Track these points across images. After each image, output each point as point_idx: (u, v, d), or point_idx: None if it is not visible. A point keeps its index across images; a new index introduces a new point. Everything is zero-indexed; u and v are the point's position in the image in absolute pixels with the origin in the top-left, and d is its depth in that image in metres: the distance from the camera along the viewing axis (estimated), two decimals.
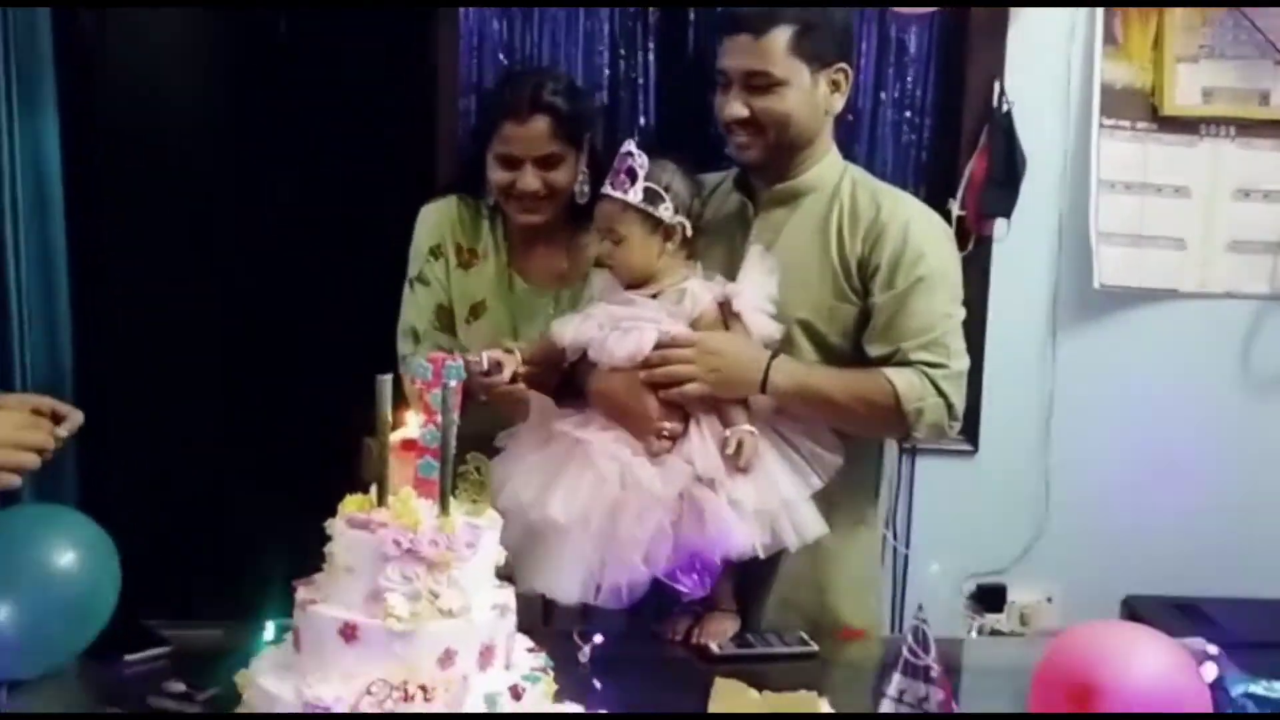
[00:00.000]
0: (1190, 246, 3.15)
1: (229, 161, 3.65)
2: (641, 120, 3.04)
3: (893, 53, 3.05)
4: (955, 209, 3.08)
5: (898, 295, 2.12)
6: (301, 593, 1.63)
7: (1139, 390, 3.18)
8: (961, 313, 2.19)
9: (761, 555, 2.06)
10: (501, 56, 2.98)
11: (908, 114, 3.08)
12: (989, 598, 3.23)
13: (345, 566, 1.60)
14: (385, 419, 1.67)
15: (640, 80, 3.02)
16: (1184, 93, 3.08)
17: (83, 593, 1.89)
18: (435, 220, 2.37)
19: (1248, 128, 3.11)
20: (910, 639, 1.58)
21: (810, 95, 2.15)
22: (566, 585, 2.04)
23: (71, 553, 1.89)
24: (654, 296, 2.14)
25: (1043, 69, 3.08)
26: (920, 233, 2.16)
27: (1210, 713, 1.63)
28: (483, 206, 2.37)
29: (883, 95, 3.06)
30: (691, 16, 3.01)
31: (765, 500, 2.05)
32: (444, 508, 1.65)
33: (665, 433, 2.08)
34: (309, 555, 1.66)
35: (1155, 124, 3.10)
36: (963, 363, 2.16)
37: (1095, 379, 3.18)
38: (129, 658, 1.95)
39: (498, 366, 2.09)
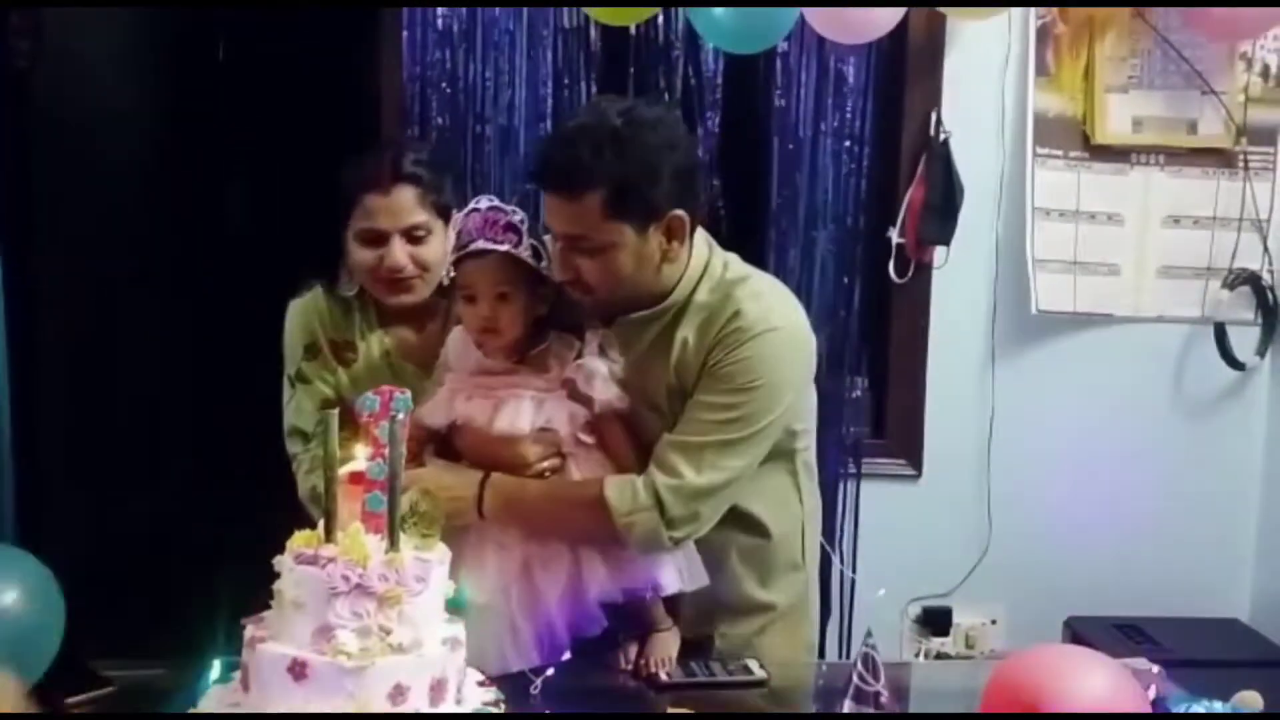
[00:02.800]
0: (1124, 272, 3.21)
1: (167, 185, 3.58)
2: None
3: (831, 83, 3.08)
4: (895, 237, 3.13)
5: (696, 395, 2.01)
6: (250, 630, 1.62)
7: (1077, 413, 3.23)
8: (752, 431, 2.00)
9: (649, 596, 2.04)
10: (445, 86, 2.98)
11: (847, 144, 3.11)
12: (934, 621, 3.26)
13: (294, 603, 1.59)
14: (332, 453, 1.66)
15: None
16: (1114, 122, 3.15)
17: (25, 633, 1.85)
18: (303, 319, 2.22)
19: (1176, 156, 3.18)
20: (859, 665, 1.60)
21: (640, 251, 1.96)
22: (509, 656, 1.99)
23: (13, 591, 1.86)
24: (518, 362, 2.07)
25: (977, 99, 3.14)
26: (752, 345, 1.99)
27: (1177, 713, 1.65)
28: (348, 296, 2.21)
29: (822, 125, 3.09)
30: (633, 49, 3.04)
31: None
32: (393, 542, 1.64)
33: (546, 473, 2.05)
34: (255, 592, 1.64)
35: (1087, 153, 3.16)
36: (709, 478, 1.98)
37: (1034, 403, 3.23)
38: (71, 700, 1.90)
39: None
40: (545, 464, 2.04)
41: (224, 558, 2.35)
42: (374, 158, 2.13)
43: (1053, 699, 1.58)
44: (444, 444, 2.10)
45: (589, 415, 2.05)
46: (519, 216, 2.01)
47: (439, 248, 2.13)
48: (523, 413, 2.02)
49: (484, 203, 2.02)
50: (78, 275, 3.33)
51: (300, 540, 1.66)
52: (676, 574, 2.06)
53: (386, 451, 1.67)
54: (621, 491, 1.99)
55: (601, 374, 2.04)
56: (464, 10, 2.96)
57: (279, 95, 3.58)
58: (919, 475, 3.26)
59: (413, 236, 2.11)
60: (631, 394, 2.08)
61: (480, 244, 1.98)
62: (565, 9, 2.97)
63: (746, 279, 2.07)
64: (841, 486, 3.17)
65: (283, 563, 1.63)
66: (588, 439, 2.06)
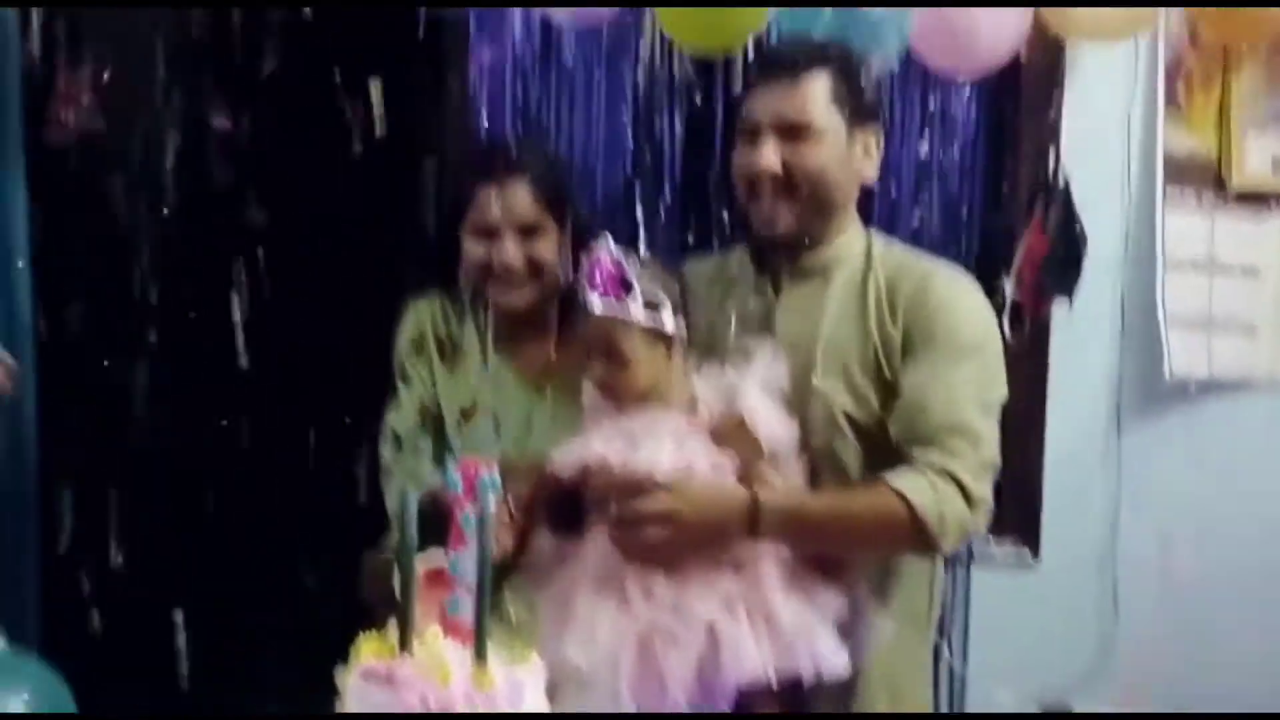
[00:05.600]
0: (1261, 333, 2.89)
1: (216, 227, 3.26)
2: (667, 193, 2.76)
3: (939, 120, 2.80)
4: (1009, 289, 2.81)
5: (927, 365, 1.89)
6: None
7: (1214, 491, 2.87)
8: (999, 394, 1.95)
9: (774, 684, 1.77)
10: (519, 124, 2.71)
11: (955, 186, 2.82)
12: None
13: None
14: (410, 542, 1.35)
15: (665, 147, 2.75)
16: (1253, 163, 2.84)
17: None
18: (415, 314, 2.21)
19: None
20: None
21: (846, 153, 1.97)
22: None
23: (22, 695, 1.73)
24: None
25: (1100, 137, 2.83)
26: (959, 301, 1.97)
27: None
28: (464, 299, 2.18)
29: (928, 164, 2.80)
30: (721, 79, 2.75)
31: (784, 623, 1.78)
32: (479, 654, 1.32)
33: None
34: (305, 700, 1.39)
35: (1222, 197, 2.85)
36: (991, 451, 1.89)
37: (1166, 479, 2.88)
38: None
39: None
40: None
41: (270, 658, 2.07)
42: (490, 151, 2.20)
43: None
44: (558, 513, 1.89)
45: (737, 469, 1.84)
46: (631, 266, 1.86)
47: (553, 247, 2.09)
48: (663, 449, 1.82)
49: (603, 251, 1.86)
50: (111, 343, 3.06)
51: (368, 649, 1.35)
52: (847, 646, 1.79)
53: (471, 544, 1.37)
54: (916, 484, 1.82)
55: (764, 408, 1.85)
56: (537, 42, 2.70)
57: (338, 131, 3.27)
58: (1037, 560, 2.91)
59: (526, 232, 2.06)
60: (827, 361, 1.93)
61: (594, 305, 1.85)
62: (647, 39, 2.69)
63: (911, 251, 2.09)
64: (951, 572, 2.82)
65: (346, 679, 1.32)
66: None
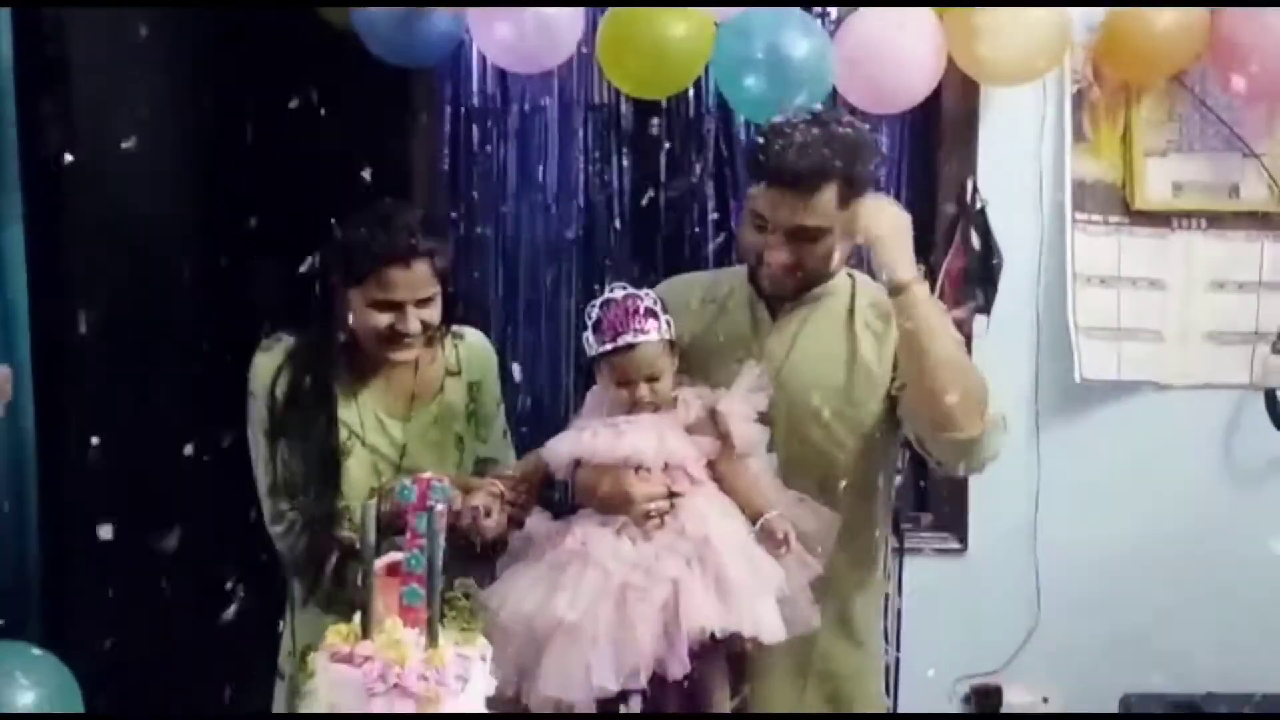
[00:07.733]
0: (1168, 338, 3.15)
1: (197, 259, 3.42)
2: (616, 224, 3.03)
3: None
4: None
5: None
6: None
7: (1126, 483, 3.14)
8: None
9: (717, 635, 2.02)
10: (479, 159, 2.98)
11: None
12: (984, 700, 3.16)
13: (329, 704, 1.54)
14: (369, 544, 1.62)
15: (614, 185, 3.02)
16: (1154, 187, 3.10)
17: None
18: (273, 368, 2.24)
19: (1219, 219, 3.13)
20: None
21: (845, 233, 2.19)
22: (581, 684, 1.98)
23: (31, 693, 1.87)
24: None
25: (1014, 166, 3.10)
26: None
27: None
28: (327, 349, 2.26)
29: None
30: (665, 122, 3.03)
31: (731, 584, 2.03)
32: (432, 638, 1.59)
33: (653, 511, 2.09)
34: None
35: (1127, 218, 3.12)
36: None
37: (1081, 472, 3.15)
38: None
39: (487, 513, 2.11)
40: (652, 505, 2.08)
41: (253, 657, 2.31)
42: (394, 232, 2.17)
43: None
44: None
45: (713, 453, 2.12)
46: (653, 298, 2.13)
47: (439, 309, 2.23)
48: (646, 441, 2.08)
49: (618, 292, 2.13)
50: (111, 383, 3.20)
51: (336, 635, 1.61)
52: (782, 617, 2.04)
53: (423, 542, 1.63)
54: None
55: (741, 412, 2.12)
56: (498, 89, 2.97)
57: (312, 171, 3.47)
58: (964, 549, 3.18)
59: (421, 303, 2.20)
60: (817, 368, 2.19)
61: (628, 338, 2.09)
62: (596, 87, 2.97)
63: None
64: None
65: (317, 660, 1.59)
66: (703, 479, 2.12)
